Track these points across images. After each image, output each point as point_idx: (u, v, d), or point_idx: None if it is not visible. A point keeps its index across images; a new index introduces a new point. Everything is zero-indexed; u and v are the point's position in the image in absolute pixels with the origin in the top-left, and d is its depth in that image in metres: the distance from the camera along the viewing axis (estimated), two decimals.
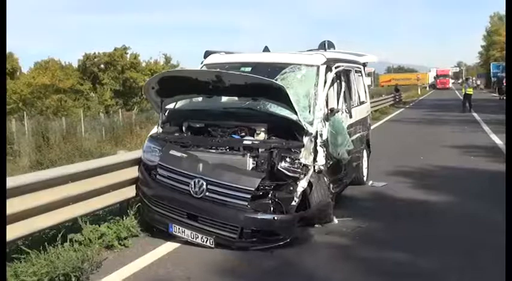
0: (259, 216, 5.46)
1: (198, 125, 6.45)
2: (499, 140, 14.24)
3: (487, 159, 11.31)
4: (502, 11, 79.56)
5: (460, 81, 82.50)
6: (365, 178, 8.71)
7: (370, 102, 10.60)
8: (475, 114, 24.59)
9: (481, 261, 5.10)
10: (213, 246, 5.46)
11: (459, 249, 5.48)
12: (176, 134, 6.44)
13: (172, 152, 5.98)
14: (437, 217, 6.78)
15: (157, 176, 5.99)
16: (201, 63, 7.50)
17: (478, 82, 65.78)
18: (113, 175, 5.96)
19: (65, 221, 5.30)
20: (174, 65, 53.92)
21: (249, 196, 5.46)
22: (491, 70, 69.93)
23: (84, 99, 48.08)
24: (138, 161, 6.33)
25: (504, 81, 49.21)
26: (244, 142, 5.97)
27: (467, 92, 27.89)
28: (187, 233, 5.60)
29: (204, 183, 5.58)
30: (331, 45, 9.00)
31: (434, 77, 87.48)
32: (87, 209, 5.55)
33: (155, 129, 6.64)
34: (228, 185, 5.51)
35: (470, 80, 31.84)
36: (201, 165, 5.71)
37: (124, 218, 5.96)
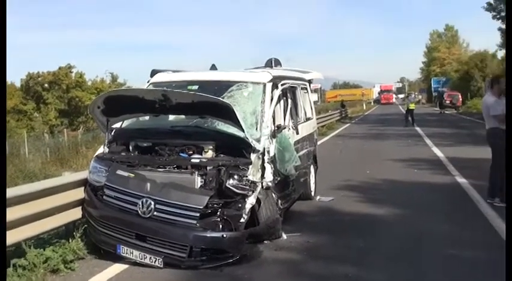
0: (208, 234, 5.45)
1: (145, 144, 6.41)
2: (440, 153, 14.77)
3: (430, 171, 11.69)
4: (441, 28, 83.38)
5: (401, 96, 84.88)
6: (313, 193, 8.81)
7: (317, 118, 10.80)
8: (417, 128, 25.38)
9: (428, 272, 5.20)
10: (161, 266, 5.39)
11: (406, 261, 5.57)
12: (123, 154, 6.36)
13: (119, 172, 5.91)
14: (384, 229, 6.91)
15: (104, 197, 5.90)
16: (148, 81, 7.47)
17: (420, 97, 68.09)
18: (58, 196, 5.83)
19: (8, 246, 5.13)
20: (120, 83, 53.39)
21: (197, 215, 5.45)
22: (432, 85, 72.74)
23: (27, 119, 46.94)
24: (84, 182, 6.22)
25: (445, 95, 51.36)
26: (192, 160, 5.97)
27: (409, 107, 28.96)
28: (135, 254, 5.51)
29: (152, 202, 5.54)
30: (277, 62, 9.12)
31: (379, 93, 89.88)
32: (31, 232, 5.40)
33: (101, 150, 6.53)
34: (176, 204, 5.49)
35: (412, 95, 33.12)
36: (148, 184, 5.66)
37: (70, 240, 5.82)
